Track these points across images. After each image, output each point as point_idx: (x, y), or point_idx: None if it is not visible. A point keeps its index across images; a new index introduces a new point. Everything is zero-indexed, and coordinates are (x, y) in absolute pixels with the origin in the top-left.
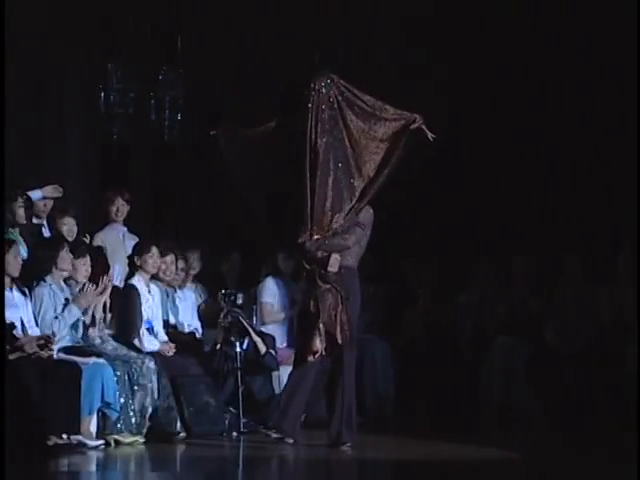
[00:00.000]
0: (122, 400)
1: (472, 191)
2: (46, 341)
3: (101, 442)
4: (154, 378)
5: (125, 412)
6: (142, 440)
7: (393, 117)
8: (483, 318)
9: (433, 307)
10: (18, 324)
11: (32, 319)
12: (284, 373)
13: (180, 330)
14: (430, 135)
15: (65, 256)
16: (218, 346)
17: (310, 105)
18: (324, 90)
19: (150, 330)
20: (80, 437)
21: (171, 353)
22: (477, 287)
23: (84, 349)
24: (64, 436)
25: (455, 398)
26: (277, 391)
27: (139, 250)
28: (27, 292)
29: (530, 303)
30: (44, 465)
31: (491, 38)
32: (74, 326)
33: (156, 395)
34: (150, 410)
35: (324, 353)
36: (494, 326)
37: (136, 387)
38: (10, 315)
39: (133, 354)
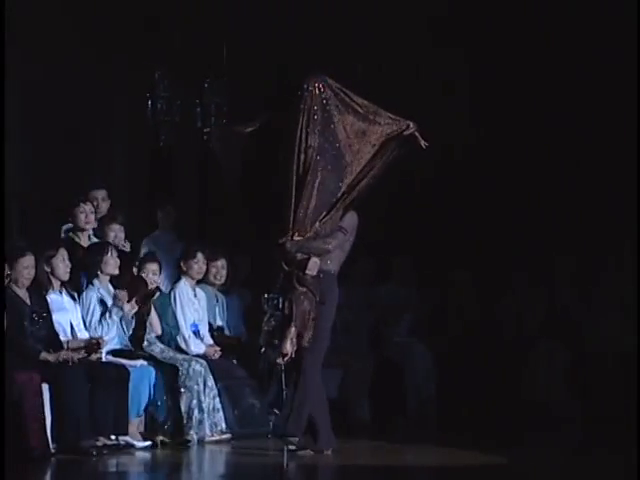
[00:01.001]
0: (169, 402)
1: (513, 192)
2: (95, 344)
3: (148, 443)
4: (200, 380)
5: (172, 414)
6: (188, 441)
7: (387, 122)
8: (525, 320)
9: (475, 309)
10: (67, 327)
11: (81, 322)
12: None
13: (225, 333)
14: (423, 143)
15: (110, 261)
16: (262, 349)
17: (302, 106)
18: (317, 91)
19: (196, 333)
20: (128, 438)
21: (216, 356)
22: (520, 289)
23: (132, 352)
24: (112, 437)
25: (497, 400)
26: None
27: (185, 255)
28: (76, 296)
29: (572, 304)
30: (93, 465)
31: (492, 40)
32: (121, 330)
33: (202, 397)
34: (196, 412)
35: (294, 356)
36: (536, 328)
37: (182, 389)
38: (60, 318)
39: (179, 356)
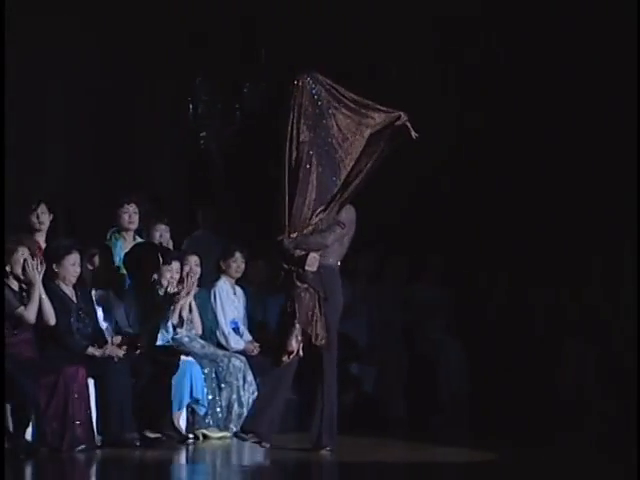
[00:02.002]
0: (210, 397)
1: (543, 192)
2: (139, 340)
3: (190, 436)
4: (240, 376)
5: (213, 408)
6: (229, 435)
7: (378, 114)
8: (556, 318)
9: (507, 307)
10: (112, 324)
11: (125, 319)
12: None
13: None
14: (414, 134)
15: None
16: None
17: (292, 102)
18: (308, 87)
19: (236, 330)
20: (170, 431)
21: (255, 352)
22: (553, 287)
23: (173, 348)
24: (155, 430)
25: (529, 398)
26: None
27: (224, 255)
28: (120, 294)
29: (603, 303)
30: (136, 457)
31: (492, 40)
32: (163, 326)
33: (242, 392)
34: (236, 406)
35: (301, 354)
36: (566, 326)
37: (223, 384)
38: (105, 315)
39: (220, 353)
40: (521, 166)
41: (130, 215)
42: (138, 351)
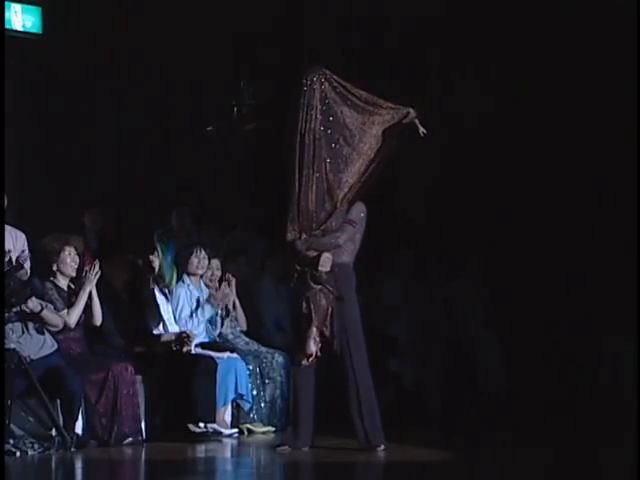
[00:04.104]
0: (254, 392)
1: (584, 190)
2: (185, 337)
3: (235, 431)
4: (283, 372)
5: (257, 403)
6: (273, 429)
7: (386, 111)
8: (596, 317)
9: (546, 305)
10: (160, 321)
11: (172, 317)
12: None
13: None
14: (421, 130)
15: (194, 261)
16: None
17: (302, 100)
18: (316, 85)
19: (279, 327)
20: (216, 426)
21: None
22: (592, 286)
23: (219, 345)
24: (201, 425)
25: (568, 397)
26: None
27: (267, 253)
28: (167, 293)
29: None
30: (182, 451)
31: (492, 39)
32: (210, 323)
33: (285, 387)
34: (279, 401)
35: (319, 355)
36: (606, 325)
37: (267, 380)
38: (152, 314)
39: (263, 349)
40: (560, 165)
41: (180, 216)
42: (185, 348)
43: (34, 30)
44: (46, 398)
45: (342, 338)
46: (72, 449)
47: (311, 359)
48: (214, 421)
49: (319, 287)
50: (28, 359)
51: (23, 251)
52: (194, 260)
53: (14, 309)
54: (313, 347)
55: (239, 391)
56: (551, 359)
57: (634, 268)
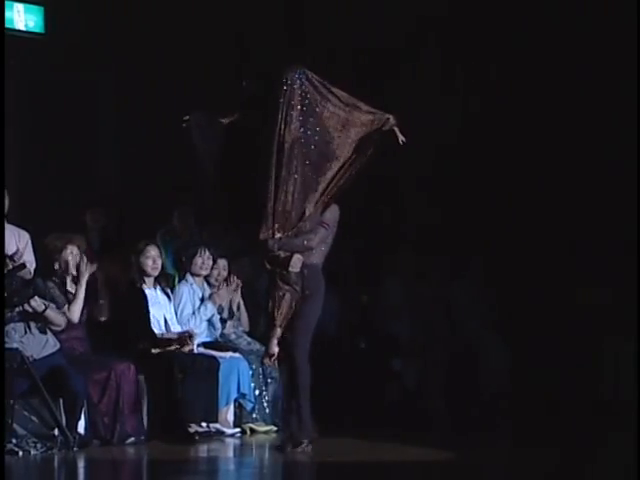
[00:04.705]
0: (256, 392)
1: (590, 191)
2: (187, 337)
3: (237, 430)
4: None
5: (259, 403)
6: (275, 429)
7: (366, 115)
8: (597, 317)
9: (548, 305)
10: (162, 321)
11: (174, 316)
12: None
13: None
14: (401, 138)
15: (198, 261)
16: None
17: (281, 100)
18: (296, 85)
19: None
20: (218, 425)
21: None
22: (594, 286)
23: (221, 344)
24: (203, 424)
25: (569, 397)
26: None
27: None
28: (169, 292)
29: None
30: (185, 450)
31: (490, 39)
32: (211, 322)
33: None
34: (282, 401)
35: (282, 356)
36: (607, 325)
37: (269, 380)
38: (155, 312)
39: None
40: (563, 164)
41: (182, 216)
42: (187, 348)
43: (36, 30)
44: (49, 398)
45: (292, 335)
46: (75, 448)
47: (273, 359)
48: (216, 421)
49: (287, 287)
50: (31, 359)
51: (17, 250)
52: (198, 260)
53: (17, 309)
54: (275, 348)
55: (241, 391)
56: (553, 359)
57: (634, 268)
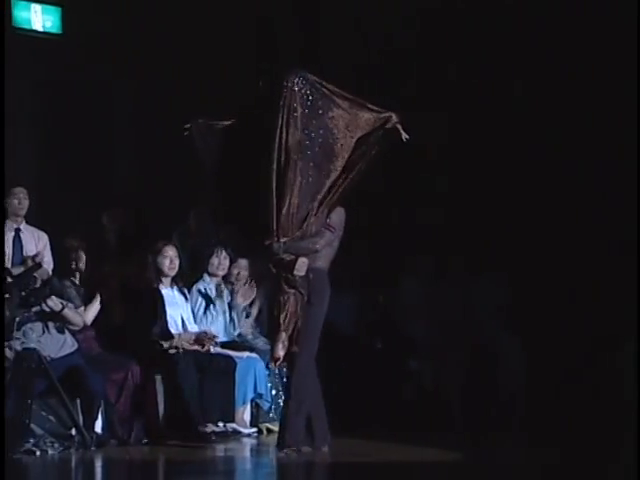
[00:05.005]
0: (273, 391)
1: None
2: (208, 338)
3: (254, 430)
4: None
5: (276, 402)
6: None
7: (368, 114)
8: (615, 319)
9: (567, 306)
10: (179, 321)
11: (191, 316)
12: None
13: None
14: (404, 136)
15: (215, 261)
16: None
17: (282, 103)
18: (297, 87)
19: None
20: (235, 425)
21: None
22: (613, 287)
23: (238, 344)
24: (220, 424)
25: (587, 398)
26: None
27: None
28: (186, 292)
29: None
30: (201, 449)
31: (488, 39)
32: (228, 322)
33: None
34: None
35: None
36: (625, 328)
37: (285, 379)
38: (172, 312)
39: None
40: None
41: (198, 217)
42: (205, 347)
43: (54, 30)
44: (66, 397)
45: (299, 340)
46: (92, 448)
47: (278, 363)
48: (233, 420)
49: (292, 291)
50: (48, 358)
51: (37, 253)
52: (214, 260)
53: (34, 309)
54: (281, 352)
55: (258, 391)
56: (570, 360)
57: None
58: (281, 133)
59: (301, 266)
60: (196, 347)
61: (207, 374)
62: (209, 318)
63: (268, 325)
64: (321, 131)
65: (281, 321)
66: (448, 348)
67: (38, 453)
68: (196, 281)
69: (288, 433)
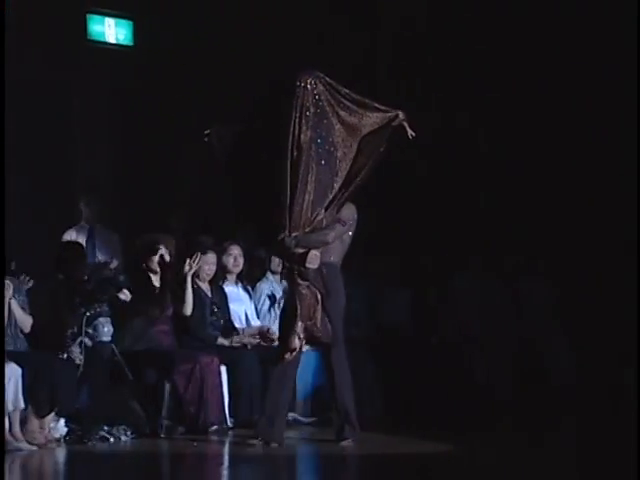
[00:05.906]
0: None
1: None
2: (267, 333)
3: (313, 419)
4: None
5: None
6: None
7: (376, 113)
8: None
9: (613, 301)
10: (242, 316)
11: (254, 312)
12: None
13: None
14: (410, 133)
15: (275, 259)
16: None
17: (295, 102)
18: (309, 87)
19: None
20: (295, 414)
21: None
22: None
23: None
24: None
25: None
26: None
27: None
28: (250, 289)
29: None
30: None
31: (488, 38)
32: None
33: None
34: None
35: (303, 351)
36: None
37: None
38: (236, 308)
39: None
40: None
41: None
42: (268, 341)
43: (126, 42)
44: (138, 388)
45: (325, 336)
46: (162, 435)
47: (294, 353)
48: (294, 410)
49: (306, 284)
50: (120, 351)
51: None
52: (276, 259)
53: (104, 305)
54: (297, 342)
55: (318, 382)
56: (618, 354)
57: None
58: (294, 131)
59: (313, 259)
60: (259, 341)
61: (269, 366)
62: (272, 315)
63: (283, 317)
64: (331, 130)
65: (297, 313)
66: (499, 342)
67: (112, 440)
68: (259, 279)
69: (346, 426)
